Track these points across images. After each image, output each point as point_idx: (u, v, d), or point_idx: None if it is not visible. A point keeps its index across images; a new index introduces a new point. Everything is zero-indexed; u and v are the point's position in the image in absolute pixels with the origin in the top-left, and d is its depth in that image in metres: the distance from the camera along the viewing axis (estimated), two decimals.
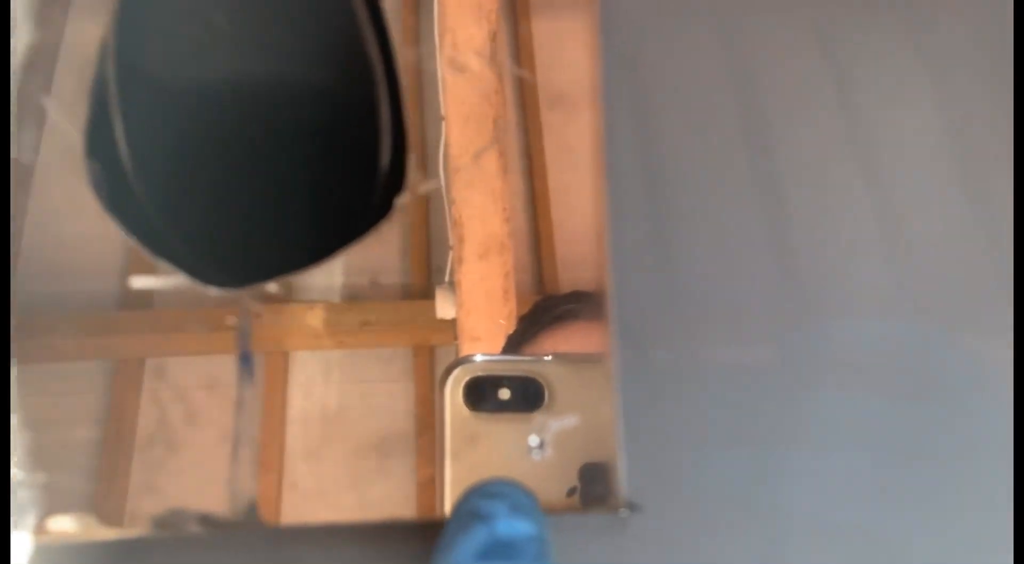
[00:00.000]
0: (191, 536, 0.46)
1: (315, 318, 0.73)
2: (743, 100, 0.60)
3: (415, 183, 0.51)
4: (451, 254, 0.60)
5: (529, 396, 0.49)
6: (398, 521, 0.47)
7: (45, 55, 0.49)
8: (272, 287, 0.44)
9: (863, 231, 0.59)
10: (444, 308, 0.63)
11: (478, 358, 0.51)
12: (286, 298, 0.75)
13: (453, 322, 0.61)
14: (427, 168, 0.77)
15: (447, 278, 0.62)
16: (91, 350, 0.64)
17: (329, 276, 0.76)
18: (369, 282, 0.60)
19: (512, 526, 0.37)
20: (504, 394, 0.49)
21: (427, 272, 0.76)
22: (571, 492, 0.44)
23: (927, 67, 0.62)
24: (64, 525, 0.45)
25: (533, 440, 0.47)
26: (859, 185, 0.60)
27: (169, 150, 0.36)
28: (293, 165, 0.42)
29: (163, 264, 0.39)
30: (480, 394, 0.49)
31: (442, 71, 0.58)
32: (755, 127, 0.60)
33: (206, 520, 0.45)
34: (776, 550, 0.50)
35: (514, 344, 0.55)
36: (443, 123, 0.59)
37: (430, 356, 0.77)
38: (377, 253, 0.73)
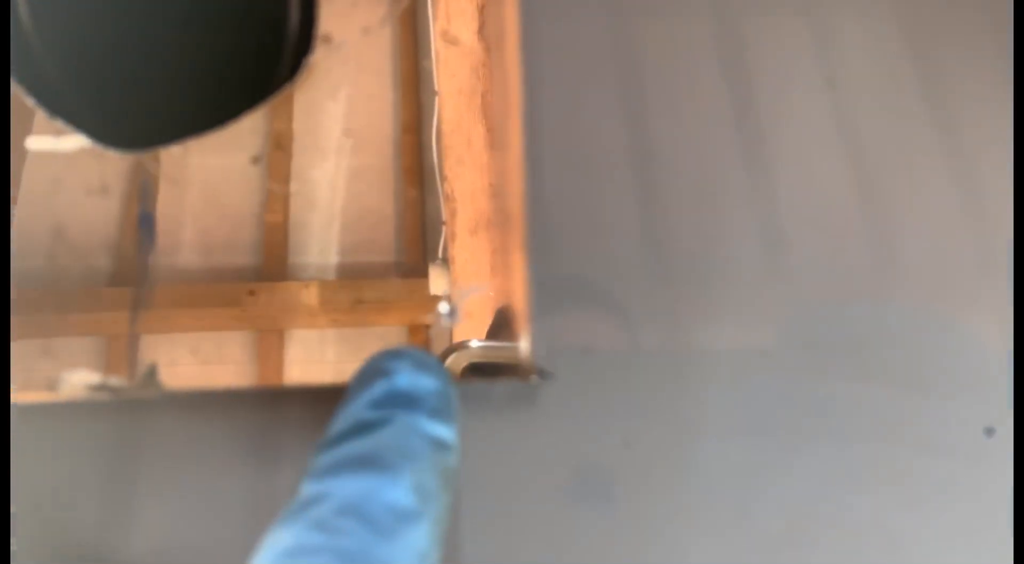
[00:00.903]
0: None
1: (310, 296, 0.72)
2: (733, 81, 0.59)
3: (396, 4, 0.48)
4: (444, 230, 0.60)
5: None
6: (308, 386, 0.46)
7: None
8: (175, 149, 0.42)
9: (850, 217, 0.58)
10: (438, 284, 0.63)
11: (473, 344, 0.52)
12: (280, 276, 0.76)
13: (447, 298, 0.61)
14: (422, 145, 0.77)
15: (440, 255, 0.61)
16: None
17: (324, 255, 0.76)
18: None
19: (413, 379, 0.38)
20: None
21: (421, 250, 0.75)
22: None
23: (915, 54, 0.61)
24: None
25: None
26: (846, 170, 0.59)
27: (73, 9, 0.34)
28: (199, 27, 0.40)
29: (62, 123, 0.37)
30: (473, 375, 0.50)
31: (435, 44, 0.57)
32: (745, 110, 0.59)
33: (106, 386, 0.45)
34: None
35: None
36: (436, 98, 0.58)
37: (425, 334, 0.77)
38: (371, 231, 0.73)
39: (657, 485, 0.49)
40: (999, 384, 0.54)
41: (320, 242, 0.71)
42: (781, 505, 0.50)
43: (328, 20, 0.44)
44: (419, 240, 0.67)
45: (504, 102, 0.57)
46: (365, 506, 0.33)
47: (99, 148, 0.36)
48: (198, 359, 0.67)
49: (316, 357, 0.71)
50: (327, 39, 0.43)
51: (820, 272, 0.58)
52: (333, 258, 0.70)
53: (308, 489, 0.33)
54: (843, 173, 0.59)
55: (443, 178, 0.59)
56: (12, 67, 0.31)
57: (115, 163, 0.48)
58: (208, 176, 0.64)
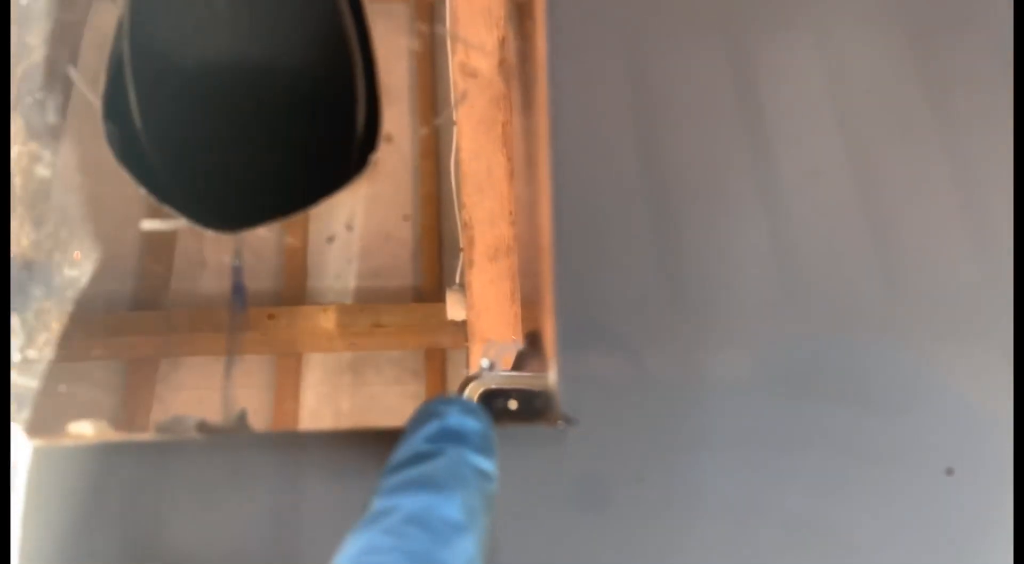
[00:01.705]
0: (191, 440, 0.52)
1: (328, 320, 0.73)
2: (746, 112, 0.61)
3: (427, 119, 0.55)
4: (461, 256, 0.61)
5: (534, 407, 0.54)
6: (373, 428, 0.52)
7: (71, 32, 0.54)
8: (263, 231, 0.50)
9: (860, 246, 0.59)
10: (455, 310, 0.64)
11: (491, 374, 0.55)
12: (299, 300, 0.77)
13: (463, 324, 0.61)
14: (440, 171, 0.78)
15: (457, 280, 0.62)
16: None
17: (342, 279, 0.77)
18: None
19: (461, 420, 0.44)
20: (512, 405, 0.54)
21: (438, 275, 0.76)
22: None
23: (925, 85, 0.62)
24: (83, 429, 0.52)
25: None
26: (857, 199, 0.60)
27: (174, 114, 0.43)
28: (281, 127, 0.48)
29: (168, 210, 0.44)
30: (491, 404, 0.53)
31: (454, 76, 0.59)
32: (757, 140, 0.60)
33: (203, 426, 0.52)
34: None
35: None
36: (455, 128, 0.59)
37: (442, 359, 0.78)
38: (389, 256, 0.74)
39: (665, 513, 0.54)
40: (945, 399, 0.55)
41: (338, 267, 0.72)
42: (777, 523, 0.54)
43: (388, 121, 0.50)
44: (436, 265, 0.68)
45: (529, 133, 0.58)
46: (426, 517, 0.38)
47: (198, 228, 0.44)
48: (215, 383, 0.68)
49: (333, 380, 0.72)
50: (388, 139, 0.49)
51: (830, 303, 0.59)
52: (351, 282, 0.71)
53: (377, 504, 0.39)
54: (854, 202, 0.60)
55: (461, 205, 0.60)
56: (129, 165, 0.38)
57: (212, 240, 0.56)
58: None
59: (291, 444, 0.54)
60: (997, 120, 0.61)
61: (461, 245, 0.60)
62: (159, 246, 0.68)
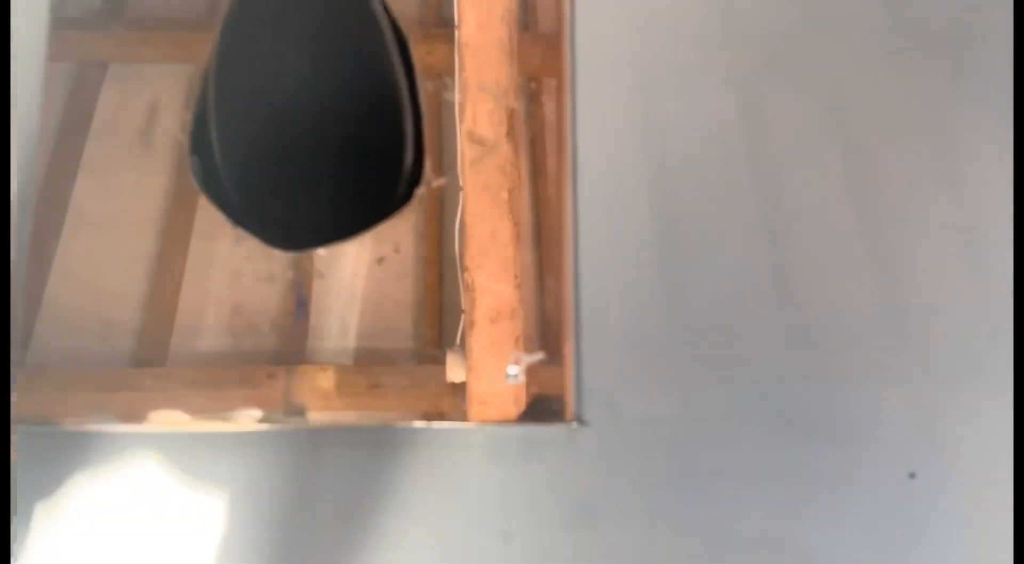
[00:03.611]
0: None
1: (327, 380, 0.73)
2: (755, 158, 0.63)
3: (430, 178, 0.59)
4: (463, 318, 0.62)
5: (551, 408, 0.60)
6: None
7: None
8: (321, 252, 0.58)
9: (869, 294, 0.61)
10: (455, 371, 0.64)
11: None
12: (299, 359, 0.77)
13: (463, 386, 0.62)
14: (442, 233, 0.79)
15: (458, 341, 0.63)
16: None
17: (343, 339, 0.78)
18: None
19: None
20: None
21: (439, 337, 0.77)
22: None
23: (929, 132, 0.65)
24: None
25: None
26: (863, 242, 0.62)
27: (249, 149, 0.47)
28: (340, 162, 0.55)
29: (240, 231, 0.54)
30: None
31: (461, 144, 0.61)
32: (765, 183, 0.62)
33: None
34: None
35: None
36: (460, 193, 0.61)
37: (440, 419, 0.77)
38: (389, 317, 0.75)
39: (651, 532, 0.57)
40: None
41: (339, 326, 0.73)
42: (753, 537, 0.57)
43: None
44: (437, 327, 0.69)
45: (538, 199, 0.60)
46: None
47: (266, 248, 0.51)
48: None
49: None
50: (428, 181, 0.53)
51: (827, 349, 0.61)
52: (352, 342, 0.71)
53: None
54: (860, 245, 0.62)
55: (463, 268, 0.61)
56: (209, 192, 0.43)
57: (279, 258, 0.61)
58: (235, 263, 0.66)
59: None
60: (1000, 166, 0.63)
61: (463, 307, 0.61)
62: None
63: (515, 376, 0.55)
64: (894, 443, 0.58)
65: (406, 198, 0.52)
